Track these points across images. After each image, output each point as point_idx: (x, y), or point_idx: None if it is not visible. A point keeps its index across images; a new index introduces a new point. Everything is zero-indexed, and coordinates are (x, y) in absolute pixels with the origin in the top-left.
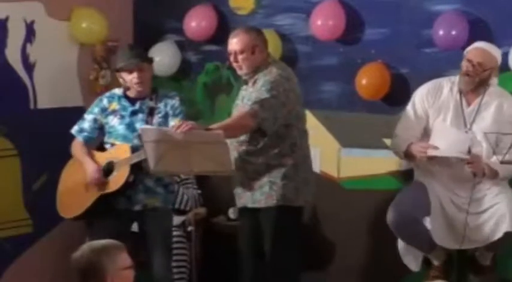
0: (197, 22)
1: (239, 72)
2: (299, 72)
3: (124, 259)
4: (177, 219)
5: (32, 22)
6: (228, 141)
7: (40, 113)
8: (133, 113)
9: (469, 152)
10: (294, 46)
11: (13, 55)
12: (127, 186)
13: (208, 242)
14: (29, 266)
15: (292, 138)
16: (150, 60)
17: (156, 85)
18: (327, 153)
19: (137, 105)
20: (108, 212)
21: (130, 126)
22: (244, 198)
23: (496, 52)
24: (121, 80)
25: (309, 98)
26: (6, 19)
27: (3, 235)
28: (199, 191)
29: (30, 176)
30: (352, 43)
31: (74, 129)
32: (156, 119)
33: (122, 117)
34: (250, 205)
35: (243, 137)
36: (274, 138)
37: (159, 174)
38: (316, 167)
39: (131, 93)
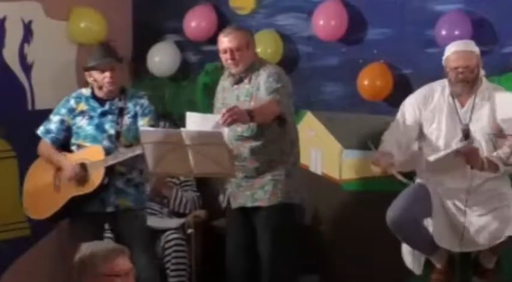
0: (197, 22)
1: (234, 69)
2: (300, 72)
3: (110, 266)
4: (176, 222)
5: (30, 22)
6: (232, 138)
7: (38, 114)
8: (103, 114)
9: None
10: (295, 46)
11: (11, 55)
12: (101, 188)
13: (208, 244)
14: (27, 268)
15: (291, 134)
16: (121, 60)
17: (156, 86)
18: (328, 155)
19: (106, 106)
20: (79, 215)
21: (100, 127)
22: (242, 198)
23: (472, 46)
24: (90, 79)
25: (311, 99)
26: (4, 19)
27: (1, 238)
28: (198, 194)
29: None
30: (354, 43)
31: (40, 131)
32: (126, 119)
33: (91, 117)
34: (250, 204)
35: (248, 133)
36: (276, 135)
37: (158, 176)
38: (318, 169)
39: (100, 93)
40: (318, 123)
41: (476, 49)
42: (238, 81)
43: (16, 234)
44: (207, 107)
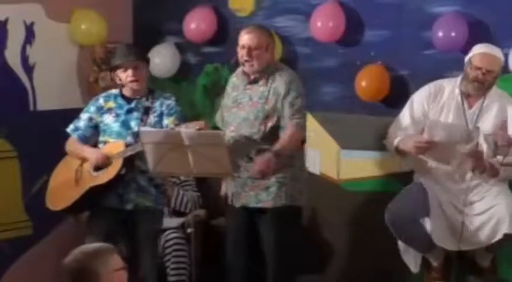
0: (197, 24)
1: (249, 68)
2: (299, 74)
3: (116, 261)
4: (176, 221)
5: (32, 24)
6: (240, 139)
7: (40, 115)
8: (129, 111)
9: (473, 143)
10: (294, 48)
11: (13, 57)
12: (118, 179)
13: (207, 243)
14: (29, 267)
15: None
16: (147, 60)
17: (156, 87)
18: (326, 155)
19: (133, 104)
20: (98, 209)
21: (125, 124)
22: (246, 198)
23: (499, 54)
24: (117, 79)
25: (309, 100)
26: (6, 21)
27: (3, 237)
28: (198, 193)
29: (29, 178)
30: (352, 45)
31: (70, 128)
32: (151, 118)
33: (117, 115)
34: (253, 205)
35: (257, 135)
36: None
37: (158, 176)
38: (316, 169)
39: (127, 92)
40: (316, 123)
41: (501, 57)
42: (253, 81)
43: (17, 233)
44: (207, 108)
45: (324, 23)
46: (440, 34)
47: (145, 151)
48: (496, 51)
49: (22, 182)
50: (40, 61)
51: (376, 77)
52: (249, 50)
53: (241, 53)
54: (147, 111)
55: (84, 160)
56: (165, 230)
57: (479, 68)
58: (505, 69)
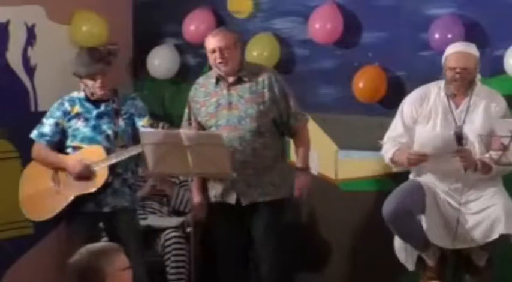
0: (196, 26)
1: (224, 68)
2: (297, 75)
3: (122, 260)
4: (176, 221)
5: (33, 26)
6: (244, 134)
7: (41, 116)
8: (99, 116)
9: (460, 143)
10: (292, 49)
11: (14, 58)
12: (105, 187)
13: (206, 243)
14: (30, 266)
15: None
16: (110, 62)
17: (155, 88)
18: (324, 155)
19: (102, 108)
20: (76, 215)
21: (97, 128)
22: (253, 194)
23: (473, 50)
24: (81, 85)
25: (307, 100)
26: (8, 23)
27: (4, 236)
28: None
29: None
30: (350, 46)
31: (34, 134)
32: (121, 120)
33: (87, 119)
34: (261, 199)
35: (253, 129)
36: (279, 132)
37: (158, 176)
38: (314, 169)
39: (93, 96)
40: (314, 124)
41: (476, 52)
42: (238, 81)
43: (19, 232)
44: None
45: (322, 25)
46: (436, 36)
47: (145, 151)
48: (468, 48)
49: None
50: (41, 62)
51: (373, 78)
52: (221, 51)
53: (214, 57)
54: (116, 113)
55: (58, 168)
56: (164, 229)
57: (453, 68)
58: (499, 70)
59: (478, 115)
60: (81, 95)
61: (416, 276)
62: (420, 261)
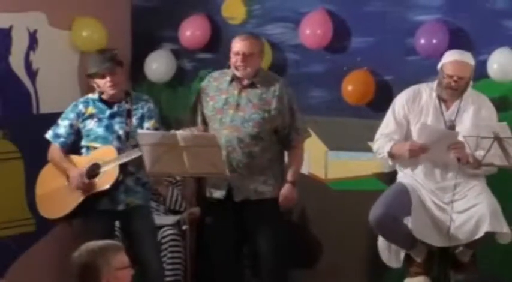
0: (192, 31)
1: (242, 72)
2: (288, 79)
3: (120, 259)
4: (172, 219)
5: (35, 31)
6: (244, 137)
7: (42, 118)
8: (112, 116)
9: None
10: (284, 54)
11: (17, 63)
12: (116, 185)
13: (202, 240)
14: (32, 263)
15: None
16: (121, 63)
17: (153, 91)
18: (314, 156)
19: (115, 108)
20: (91, 213)
21: (109, 128)
22: (246, 192)
23: (470, 59)
24: (94, 85)
25: (298, 103)
26: (10, 28)
27: (8, 234)
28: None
29: (33, 178)
30: (339, 51)
31: (49, 135)
32: (134, 120)
33: (100, 119)
34: (255, 197)
35: (254, 134)
36: (278, 138)
37: (155, 176)
38: (305, 169)
39: (106, 97)
40: None
41: (473, 62)
42: (249, 86)
43: (21, 230)
44: None
45: (312, 31)
46: (422, 41)
47: (143, 152)
48: (466, 57)
49: (26, 181)
50: (43, 67)
51: (361, 82)
52: (244, 56)
53: (235, 59)
54: (129, 113)
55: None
56: (161, 227)
57: (451, 76)
58: (483, 74)
59: (467, 118)
60: (95, 96)
61: (404, 271)
62: (407, 256)
